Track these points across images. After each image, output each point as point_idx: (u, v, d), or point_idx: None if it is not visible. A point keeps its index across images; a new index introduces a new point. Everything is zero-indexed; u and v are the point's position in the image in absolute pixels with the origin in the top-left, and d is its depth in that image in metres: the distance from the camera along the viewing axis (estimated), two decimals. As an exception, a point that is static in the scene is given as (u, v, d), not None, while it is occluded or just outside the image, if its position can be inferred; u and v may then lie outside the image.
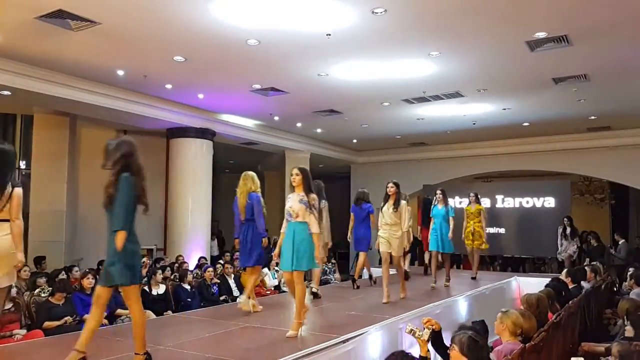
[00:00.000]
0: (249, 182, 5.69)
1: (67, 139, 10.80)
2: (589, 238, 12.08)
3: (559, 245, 10.83)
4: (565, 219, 10.95)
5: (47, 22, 6.31)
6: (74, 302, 6.27)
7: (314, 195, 4.63)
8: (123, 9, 6.07)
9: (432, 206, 7.98)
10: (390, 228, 6.20)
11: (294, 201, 4.61)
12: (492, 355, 3.44)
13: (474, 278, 8.77)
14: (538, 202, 12.34)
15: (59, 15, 6.11)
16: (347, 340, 4.23)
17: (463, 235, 8.83)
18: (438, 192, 7.94)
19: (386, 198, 6.32)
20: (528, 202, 12.50)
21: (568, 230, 10.77)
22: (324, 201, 6.69)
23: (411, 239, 8.76)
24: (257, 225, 5.54)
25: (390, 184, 6.29)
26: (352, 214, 7.58)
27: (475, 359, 2.98)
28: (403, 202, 6.31)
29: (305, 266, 4.54)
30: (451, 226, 7.75)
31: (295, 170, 4.71)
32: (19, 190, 3.66)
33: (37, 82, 8.10)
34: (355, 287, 7.45)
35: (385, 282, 6.16)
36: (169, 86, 9.21)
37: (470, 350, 2.98)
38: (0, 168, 3.62)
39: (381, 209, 6.31)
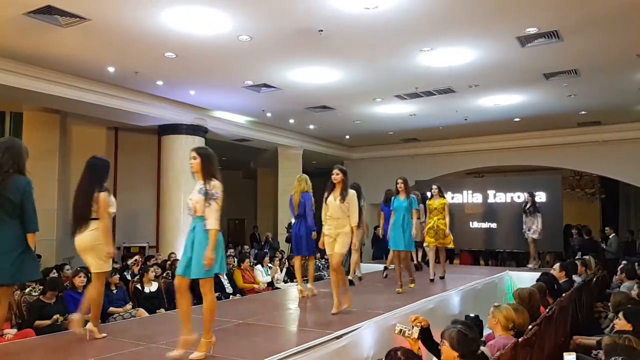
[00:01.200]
0: (303, 183, 6.38)
1: (57, 137, 10.71)
2: (574, 232, 12.07)
3: (523, 224, 10.39)
4: (527, 194, 10.63)
5: (36, 19, 6.24)
6: (65, 301, 6.23)
7: (215, 183, 3.71)
8: (112, 5, 6.01)
9: (393, 198, 6.98)
10: (337, 223, 5.20)
11: (194, 191, 3.75)
12: (485, 349, 3.46)
13: (442, 277, 7.99)
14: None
15: (48, 11, 6.05)
16: (341, 336, 4.23)
17: (424, 232, 7.97)
18: (399, 180, 6.89)
19: (331, 187, 5.31)
20: (519, 197, 12.54)
21: (529, 205, 10.29)
22: (363, 200, 7.08)
23: (368, 235, 8.92)
24: (307, 220, 6.26)
25: (336, 170, 5.31)
26: (382, 212, 8.17)
27: (466, 353, 2.99)
28: (351, 191, 5.30)
29: (208, 272, 3.65)
30: (414, 221, 6.81)
31: (193, 153, 3.81)
32: (102, 195, 4.27)
33: (26, 79, 8.01)
34: (385, 276, 8.32)
35: (335, 290, 5.26)
36: (160, 82, 9.15)
37: (459, 345, 2.99)
38: (88, 179, 4.37)
39: (325, 200, 5.34)
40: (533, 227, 10.10)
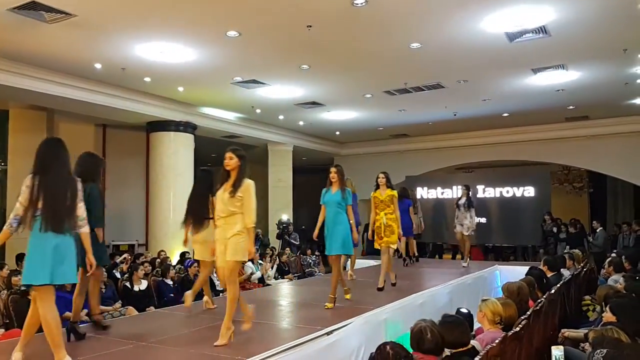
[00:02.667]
0: (348, 184, 6.48)
1: (44, 135, 10.58)
2: (551, 226, 12.14)
3: (455, 218, 9.51)
4: (462, 187, 9.54)
5: (21, 14, 6.17)
6: (53, 300, 6.16)
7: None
8: (98, 0, 5.95)
9: (325, 190, 5.59)
10: (226, 222, 3.98)
11: None
12: (474, 342, 3.48)
13: (394, 284, 6.50)
14: (518, 191, 12.49)
15: (33, 7, 5.98)
16: (332, 332, 4.24)
17: (370, 230, 6.55)
18: (332, 170, 5.55)
19: (224, 177, 4.08)
20: (508, 191, 12.64)
21: (463, 200, 9.25)
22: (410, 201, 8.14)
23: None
24: (354, 217, 6.32)
25: (229, 154, 4.04)
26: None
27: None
28: (247, 181, 4.02)
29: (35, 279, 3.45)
30: (352, 219, 5.56)
31: None
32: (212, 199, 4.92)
33: (12, 76, 7.92)
34: (405, 265, 9.16)
35: (233, 306, 3.95)
36: (147, 79, 9.07)
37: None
38: (200, 187, 5.41)
39: (215, 194, 4.19)
40: (466, 223, 9.18)
